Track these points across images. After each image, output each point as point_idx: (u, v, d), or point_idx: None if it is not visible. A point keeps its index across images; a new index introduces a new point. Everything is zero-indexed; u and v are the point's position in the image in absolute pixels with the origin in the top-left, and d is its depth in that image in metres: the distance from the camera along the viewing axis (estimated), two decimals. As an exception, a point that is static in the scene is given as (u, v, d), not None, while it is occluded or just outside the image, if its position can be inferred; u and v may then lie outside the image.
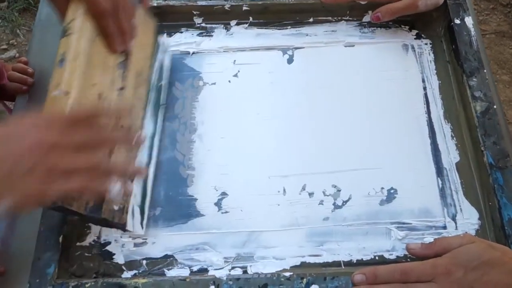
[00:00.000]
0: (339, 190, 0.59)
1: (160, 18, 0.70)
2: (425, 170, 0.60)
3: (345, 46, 0.69)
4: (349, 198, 0.58)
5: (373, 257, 0.55)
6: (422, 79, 0.66)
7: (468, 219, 0.57)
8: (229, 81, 0.66)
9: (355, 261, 0.55)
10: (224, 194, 0.58)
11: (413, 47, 0.69)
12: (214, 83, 0.66)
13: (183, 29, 0.71)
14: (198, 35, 0.70)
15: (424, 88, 0.65)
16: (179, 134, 0.63)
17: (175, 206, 0.58)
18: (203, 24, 0.71)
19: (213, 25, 0.71)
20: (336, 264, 0.54)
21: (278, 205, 0.58)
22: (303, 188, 0.59)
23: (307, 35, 0.70)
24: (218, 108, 0.64)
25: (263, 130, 0.63)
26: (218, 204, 0.58)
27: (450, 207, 0.57)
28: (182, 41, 0.69)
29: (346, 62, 0.67)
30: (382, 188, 0.59)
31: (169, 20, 0.71)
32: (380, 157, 0.61)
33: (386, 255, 0.55)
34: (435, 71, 0.67)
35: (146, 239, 0.55)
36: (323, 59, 0.68)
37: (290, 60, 0.68)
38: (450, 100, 0.64)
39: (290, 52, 0.69)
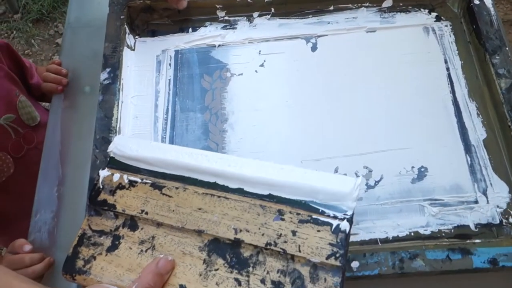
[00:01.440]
0: (370, 171, 0.60)
1: (184, 14, 0.72)
2: (453, 148, 0.61)
3: (367, 32, 0.70)
4: (381, 178, 0.60)
5: (408, 233, 0.56)
6: (444, 60, 0.67)
7: (499, 193, 0.58)
8: (256, 71, 0.68)
9: (391, 238, 0.56)
10: (259, 179, 0.60)
11: (433, 30, 0.70)
12: (241, 74, 0.68)
13: (207, 23, 0.73)
14: (222, 28, 0.72)
15: (447, 69, 0.67)
16: (211, 124, 0.65)
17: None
18: (227, 17, 0.73)
19: (236, 18, 0.73)
20: (373, 241, 0.56)
21: (312, 187, 0.59)
22: (336, 171, 0.60)
23: (328, 23, 0.72)
24: (247, 98, 0.66)
25: (293, 117, 0.64)
26: (254, 189, 0.59)
27: (480, 182, 0.59)
28: (207, 34, 0.71)
29: (369, 47, 0.69)
30: (413, 167, 0.60)
31: (194, 15, 0.73)
32: (408, 137, 0.62)
33: (421, 231, 0.56)
34: (457, 52, 0.68)
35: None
36: (346, 46, 0.69)
37: (314, 48, 0.70)
38: (474, 79, 0.66)
39: (313, 40, 0.70)
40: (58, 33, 1.86)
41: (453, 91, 0.65)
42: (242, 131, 0.64)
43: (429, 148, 0.61)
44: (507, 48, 0.64)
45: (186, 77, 0.68)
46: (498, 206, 0.57)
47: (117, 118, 0.62)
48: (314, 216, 0.46)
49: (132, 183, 0.52)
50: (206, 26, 0.72)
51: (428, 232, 0.56)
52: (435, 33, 0.70)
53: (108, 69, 0.65)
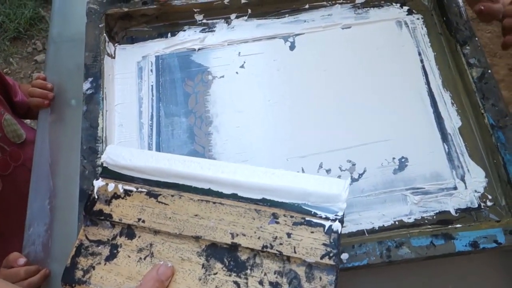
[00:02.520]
0: (354, 164, 0.62)
1: (163, 19, 0.73)
2: (431, 137, 0.64)
3: (343, 28, 0.72)
4: (364, 171, 0.62)
5: (393, 222, 0.59)
6: (418, 52, 0.70)
7: (476, 178, 0.61)
8: (237, 73, 0.69)
9: (377, 228, 0.59)
10: (246, 179, 0.62)
11: (406, 23, 0.72)
12: (223, 76, 0.69)
13: (185, 27, 0.73)
14: (201, 31, 0.73)
15: (421, 61, 0.69)
16: (196, 128, 0.66)
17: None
18: (204, 21, 0.73)
19: (214, 21, 0.73)
20: (360, 233, 0.58)
21: (299, 184, 0.61)
22: (320, 166, 0.62)
23: (305, 21, 0.73)
24: (229, 99, 0.67)
25: (275, 116, 0.66)
26: (242, 189, 0.61)
27: (458, 169, 0.62)
28: (187, 38, 0.72)
29: (345, 44, 0.71)
30: (394, 158, 0.63)
31: (171, 20, 0.73)
32: (388, 129, 0.64)
33: (405, 219, 0.59)
34: (429, 44, 0.70)
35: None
36: (323, 43, 0.71)
37: (292, 47, 0.71)
38: (447, 70, 0.68)
39: (291, 39, 0.72)
40: (36, 50, 1.85)
41: (427, 82, 0.68)
42: (227, 133, 0.65)
43: (409, 139, 0.64)
44: (476, 38, 0.67)
45: (168, 82, 0.69)
46: (475, 191, 0.60)
47: (102, 128, 0.63)
48: (307, 218, 0.48)
49: (127, 192, 0.52)
50: (184, 30, 0.73)
51: (411, 220, 0.59)
52: (408, 26, 0.72)
53: (90, 79, 0.66)
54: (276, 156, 0.63)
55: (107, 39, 0.70)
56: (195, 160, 0.53)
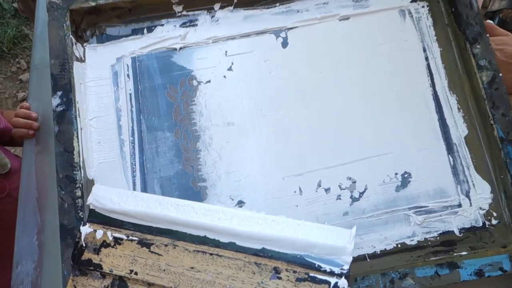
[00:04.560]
0: (354, 182, 0.59)
1: (137, 12, 0.64)
2: (435, 148, 0.60)
3: (340, 20, 0.65)
4: (365, 189, 0.58)
5: (395, 245, 0.56)
6: (423, 48, 0.63)
7: (481, 194, 0.58)
8: (224, 76, 0.62)
9: (379, 252, 0.56)
10: (240, 202, 0.58)
11: (410, 12, 0.65)
12: (209, 81, 0.62)
13: (163, 21, 0.64)
14: (181, 26, 0.64)
15: (426, 59, 0.63)
16: (183, 144, 0.60)
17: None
18: (185, 12, 0.65)
19: (196, 12, 0.65)
20: (361, 258, 0.56)
21: (297, 206, 0.58)
22: (319, 185, 0.58)
23: (298, 11, 0.65)
24: (218, 110, 0.61)
25: (269, 128, 0.60)
26: (237, 215, 0.57)
27: (463, 183, 0.58)
28: (165, 35, 0.64)
29: (343, 40, 0.64)
30: (396, 173, 0.59)
31: (147, 13, 0.64)
32: (390, 140, 0.60)
33: (408, 242, 0.57)
34: (435, 38, 0.64)
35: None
36: (319, 39, 0.64)
37: (284, 44, 0.64)
38: (453, 69, 0.63)
39: (283, 35, 0.64)
40: (20, 69, 1.73)
41: (433, 84, 0.62)
42: (216, 150, 0.60)
43: (412, 151, 0.60)
44: (487, 35, 0.61)
45: (148, 89, 0.62)
46: (480, 208, 0.58)
47: (78, 152, 0.56)
48: (312, 274, 0.45)
49: (117, 241, 0.48)
50: (162, 25, 0.64)
51: (414, 243, 0.56)
52: (412, 16, 0.65)
53: (59, 93, 0.58)
54: (272, 176, 0.59)
55: (74, 40, 0.61)
56: (189, 204, 0.49)
